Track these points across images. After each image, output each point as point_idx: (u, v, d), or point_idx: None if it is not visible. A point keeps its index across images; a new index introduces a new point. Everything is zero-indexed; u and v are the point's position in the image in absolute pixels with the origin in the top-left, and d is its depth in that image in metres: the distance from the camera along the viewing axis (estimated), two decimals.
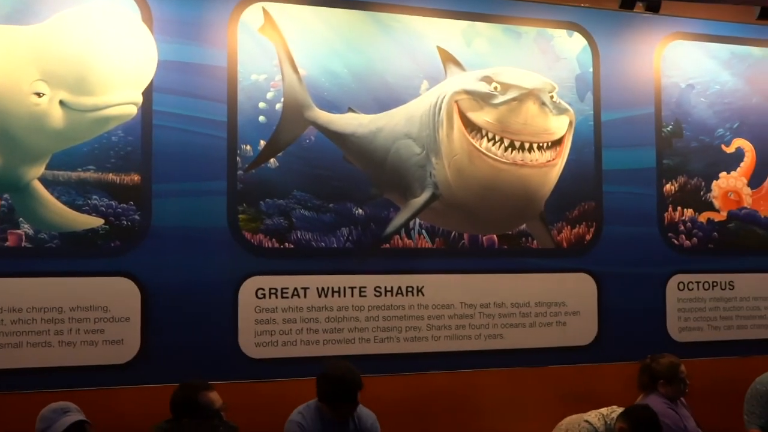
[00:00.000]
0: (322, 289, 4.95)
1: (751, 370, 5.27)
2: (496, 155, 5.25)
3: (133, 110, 4.59)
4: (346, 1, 5.13)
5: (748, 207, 6.03)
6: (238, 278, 4.80)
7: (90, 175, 4.55)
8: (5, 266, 4.41)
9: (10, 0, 4.45)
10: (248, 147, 4.87)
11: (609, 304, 5.57)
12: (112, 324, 4.55)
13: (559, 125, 5.43)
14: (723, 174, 5.99)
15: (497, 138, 5.25)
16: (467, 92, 5.24)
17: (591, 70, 5.64)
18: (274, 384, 4.77)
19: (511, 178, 5.31)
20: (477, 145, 5.22)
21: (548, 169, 5.41)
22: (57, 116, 4.43)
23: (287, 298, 4.89)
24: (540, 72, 5.46)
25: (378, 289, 5.07)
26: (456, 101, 5.21)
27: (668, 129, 5.85)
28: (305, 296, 4.92)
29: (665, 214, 5.79)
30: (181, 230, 4.69)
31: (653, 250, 5.74)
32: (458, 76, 5.30)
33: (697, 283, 5.86)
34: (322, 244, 4.98)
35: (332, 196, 5.01)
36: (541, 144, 5.36)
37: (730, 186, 6.00)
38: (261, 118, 4.91)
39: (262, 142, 4.89)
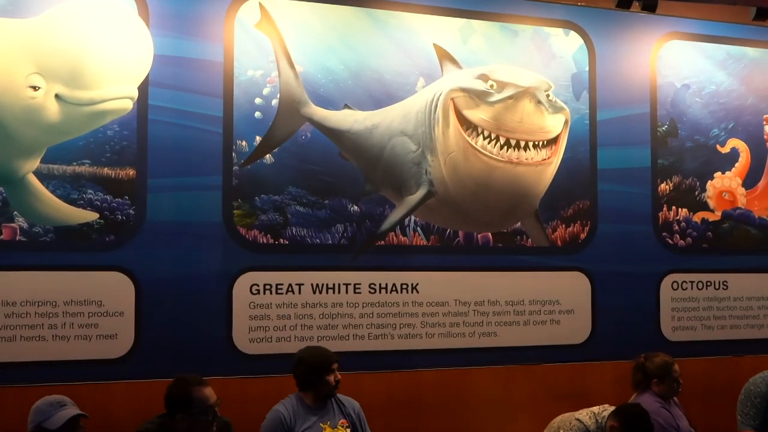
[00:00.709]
0: (317, 285, 4.95)
1: (745, 370, 5.28)
2: (491, 153, 5.25)
3: (128, 105, 4.58)
4: None
5: (743, 207, 6.04)
6: (232, 274, 4.79)
7: (85, 169, 4.54)
8: None
9: None
10: (244, 142, 4.86)
11: (603, 303, 5.58)
12: (106, 318, 4.54)
13: (555, 124, 5.43)
14: (718, 174, 6.00)
15: (493, 136, 5.25)
16: (463, 90, 5.24)
17: (587, 68, 5.65)
18: (267, 380, 4.76)
19: (507, 176, 5.31)
20: (473, 143, 5.22)
21: (543, 167, 5.42)
22: (52, 110, 4.42)
23: (282, 294, 4.89)
24: (536, 70, 5.46)
25: (372, 285, 5.07)
26: (452, 99, 5.21)
27: (663, 128, 5.86)
28: (300, 292, 4.92)
29: (660, 214, 5.80)
30: (176, 225, 4.69)
31: (647, 249, 5.75)
32: (454, 73, 5.30)
33: (691, 282, 5.87)
34: (317, 240, 4.98)
35: (327, 192, 5.01)
36: (536, 142, 5.36)
37: (725, 186, 6.01)
38: (257, 114, 4.91)
39: (258, 138, 4.89)
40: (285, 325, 4.88)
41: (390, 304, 5.10)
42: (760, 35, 6.10)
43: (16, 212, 4.43)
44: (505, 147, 5.28)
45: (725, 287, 5.95)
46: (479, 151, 5.23)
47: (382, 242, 5.13)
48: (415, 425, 5.10)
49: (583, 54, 5.65)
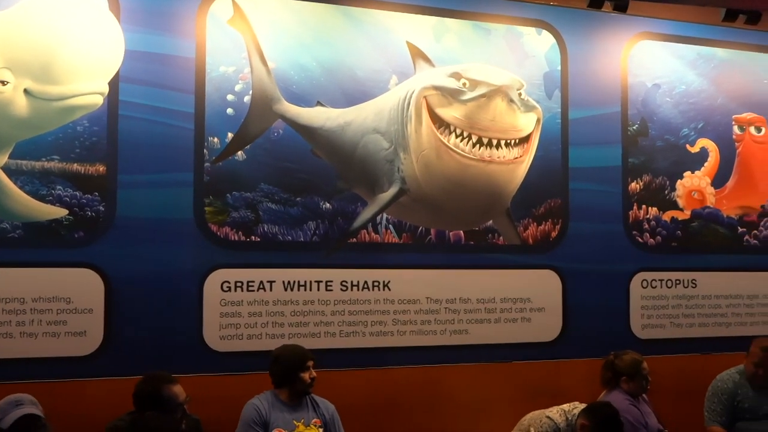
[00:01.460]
0: (288, 282, 4.94)
1: (712, 368, 5.36)
2: (463, 151, 5.26)
3: (99, 100, 4.55)
4: None
5: (712, 206, 6.10)
6: (203, 271, 4.77)
7: (54, 164, 4.50)
8: None
9: None
10: (216, 139, 4.84)
11: (573, 301, 5.60)
12: (75, 315, 4.50)
13: (527, 122, 5.46)
14: (687, 173, 6.05)
15: (465, 134, 5.27)
16: (436, 88, 5.25)
17: (559, 68, 5.67)
18: (238, 377, 4.74)
19: (479, 174, 5.33)
20: (445, 141, 5.23)
21: (515, 165, 5.44)
22: (21, 105, 4.38)
23: (253, 291, 4.87)
24: (509, 69, 5.48)
25: (344, 283, 5.07)
26: (425, 97, 5.22)
27: (634, 128, 5.90)
28: (271, 289, 4.90)
29: (630, 212, 5.84)
30: (147, 222, 4.66)
31: (618, 247, 5.79)
32: (427, 71, 5.31)
33: (661, 280, 5.92)
34: (289, 237, 4.97)
35: (299, 189, 5.00)
36: (508, 141, 5.38)
37: (694, 185, 6.07)
38: (229, 111, 4.88)
39: (230, 135, 4.87)
40: (256, 323, 4.86)
41: (362, 302, 5.10)
42: (729, 36, 6.15)
43: None
44: (478, 145, 5.29)
45: (694, 285, 6.00)
46: (452, 149, 5.24)
47: (354, 240, 5.13)
48: (386, 422, 5.10)
49: (555, 53, 5.68)
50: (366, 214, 5.15)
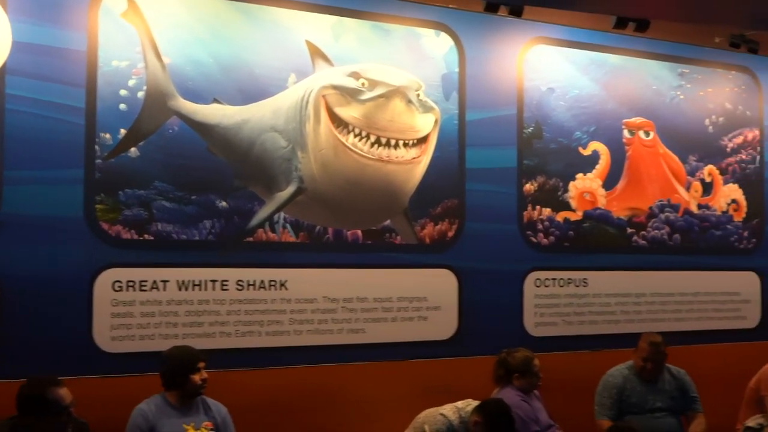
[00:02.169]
0: (183, 282, 4.86)
1: (602, 364, 5.51)
2: (362, 151, 5.28)
3: None
4: None
5: (602, 207, 6.28)
6: (94, 270, 4.64)
7: None
8: None
9: None
10: (107, 135, 4.72)
11: (469, 300, 5.68)
12: None
13: (425, 123, 5.52)
14: (579, 175, 6.21)
15: (363, 134, 5.29)
16: (335, 87, 5.25)
17: (457, 70, 5.74)
18: (131, 379, 4.64)
19: (377, 174, 5.35)
20: (343, 140, 5.24)
21: (413, 166, 5.49)
22: None
23: (146, 290, 4.77)
24: (407, 70, 5.52)
25: (240, 282, 5.02)
26: (323, 96, 5.21)
27: (529, 130, 6.02)
28: (165, 289, 4.81)
29: (524, 213, 5.95)
30: (34, 219, 4.51)
31: (512, 247, 5.90)
32: (326, 70, 5.30)
33: (553, 279, 6.06)
34: (184, 236, 4.89)
35: (195, 187, 4.92)
36: (406, 141, 5.43)
37: (586, 187, 6.23)
38: (122, 106, 4.76)
39: (123, 131, 4.75)
40: (149, 323, 4.77)
41: (258, 301, 5.05)
42: (620, 43, 6.34)
43: None
44: (376, 145, 5.32)
45: (585, 284, 6.17)
46: (350, 148, 5.25)
47: (251, 239, 5.08)
48: (283, 423, 5.07)
49: (453, 55, 5.74)
50: (263, 213, 5.11)
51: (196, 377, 4.17)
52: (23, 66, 4.50)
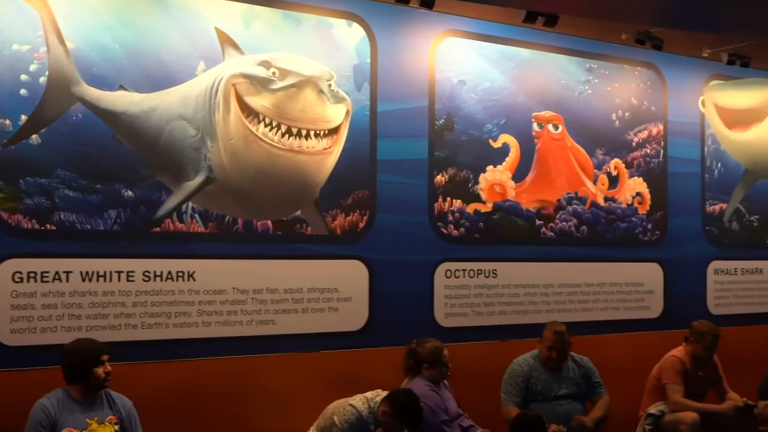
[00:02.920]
0: (87, 273, 4.74)
1: (510, 353, 5.63)
2: (272, 141, 5.24)
3: None
4: None
5: (512, 200, 6.36)
6: None
7: None
8: None
9: None
10: (7, 121, 4.57)
11: (380, 291, 5.70)
12: None
13: (336, 114, 5.51)
14: (490, 167, 6.28)
15: (274, 123, 5.24)
16: (245, 76, 5.19)
17: (369, 61, 5.74)
18: (31, 373, 4.53)
19: (287, 164, 5.32)
20: (254, 130, 5.19)
21: (324, 156, 5.47)
22: None
23: (48, 282, 4.64)
24: (318, 60, 5.50)
25: (147, 273, 4.92)
26: (233, 84, 5.15)
27: (440, 122, 6.06)
28: (68, 280, 4.69)
29: (435, 204, 6.00)
30: None
31: (423, 238, 5.94)
32: (236, 59, 5.23)
33: (464, 270, 6.12)
34: (88, 226, 4.76)
35: (100, 176, 4.80)
36: (318, 131, 5.41)
37: (496, 179, 6.31)
38: (22, 91, 4.62)
39: (24, 117, 4.61)
40: (51, 315, 4.64)
41: (165, 293, 4.97)
42: (530, 37, 6.42)
43: None
44: (287, 135, 5.28)
45: (495, 275, 6.25)
46: (260, 138, 5.21)
47: (158, 229, 4.98)
48: (194, 415, 5.01)
49: (365, 46, 5.73)
50: (171, 203, 5.02)
51: (100, 370, 4.08)
52: None
